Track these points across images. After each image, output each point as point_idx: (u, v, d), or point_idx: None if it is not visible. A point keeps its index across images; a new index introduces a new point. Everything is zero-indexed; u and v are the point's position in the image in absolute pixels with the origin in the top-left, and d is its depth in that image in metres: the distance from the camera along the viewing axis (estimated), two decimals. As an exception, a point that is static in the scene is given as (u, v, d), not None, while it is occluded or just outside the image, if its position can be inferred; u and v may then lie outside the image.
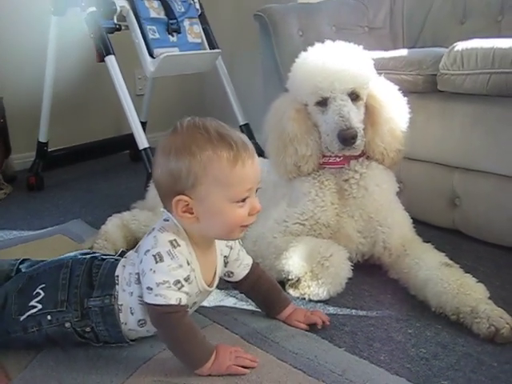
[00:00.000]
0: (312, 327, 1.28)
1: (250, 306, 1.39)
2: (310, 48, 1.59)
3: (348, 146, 1.48)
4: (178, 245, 1.09)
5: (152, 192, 1.90)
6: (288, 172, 1.59)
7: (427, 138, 1.87)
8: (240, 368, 1.10)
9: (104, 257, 1.23)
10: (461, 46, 1.73)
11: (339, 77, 1.47)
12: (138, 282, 1.12)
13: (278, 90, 1.79)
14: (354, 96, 1.51)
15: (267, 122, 1.63)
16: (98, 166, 2.95)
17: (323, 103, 1.51)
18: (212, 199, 1.07)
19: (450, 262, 1.44)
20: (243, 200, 1.08)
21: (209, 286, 1.18)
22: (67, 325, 1.15)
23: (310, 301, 1.42)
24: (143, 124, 2.69)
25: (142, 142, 2.18)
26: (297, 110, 1.56)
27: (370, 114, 1.55)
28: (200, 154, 1.05)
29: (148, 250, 1.08)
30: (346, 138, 1.46)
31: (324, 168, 1.58)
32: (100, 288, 1.16)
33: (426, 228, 1.76)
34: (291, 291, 1.44)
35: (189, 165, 1.05)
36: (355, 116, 1.49)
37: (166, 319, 1.07)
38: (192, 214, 1.08)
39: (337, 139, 1.47)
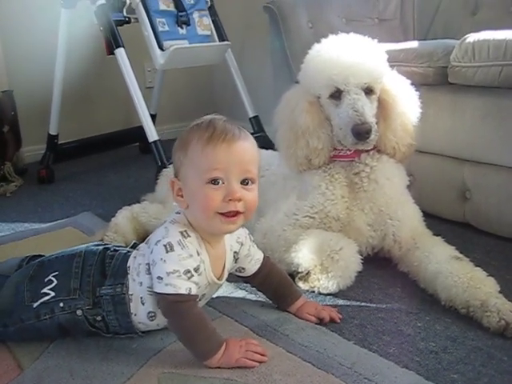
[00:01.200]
0: (322, 320, 1.28)
1: (259, 298, 1.39)
2: (323, 40, 1.58)
3: (362, 141, 1.48)
4: (189, 235, 1.12)
5: (162, 185, 1.90)
6: (298, 165, 1.58)
7: (437, 130, 1.86)
8: (249, 361, 1.10)
9: (117, 248, 1.25)
10: (472, 37, 1.72)
11: (354, 71, 1.47)
12: (148, 272, 1.13)
13: (288, 83, 1.78)
14: (368, 90, 1.50)
15: (278, 113, 1.62)
16: (108, 158, 2.96)
17: (337, 96, 1.50)
18: (189, 180, 1.11)
19: (460, 255, 1.43)
20: (215, 182, 1.08)
21: (218, 279, 1.19)
22: (79, 312, 1.17)
23: (320, 294, 1.42)
24: (153, 117, 2.68)
25: (152, 134, 2.19)
26: (309, 103, 1.55)
27: (383, 108, 1.54)
28: (186, 139, 1.11)
29: (159, 241, 1.10)
30: (361, 132, 1.45)
31: (334, 161, 1.58)
32: (112, 277, 1.17)
33: (436, 221, 1.76)
34: (301, 284, 1.44)
35: (178, 149, 1.14)
36: (369, 110, 1.48)
37: (176, 308, 1.08)
38: (183, 197, 1.13)
39: (351, 133, 1.46)
